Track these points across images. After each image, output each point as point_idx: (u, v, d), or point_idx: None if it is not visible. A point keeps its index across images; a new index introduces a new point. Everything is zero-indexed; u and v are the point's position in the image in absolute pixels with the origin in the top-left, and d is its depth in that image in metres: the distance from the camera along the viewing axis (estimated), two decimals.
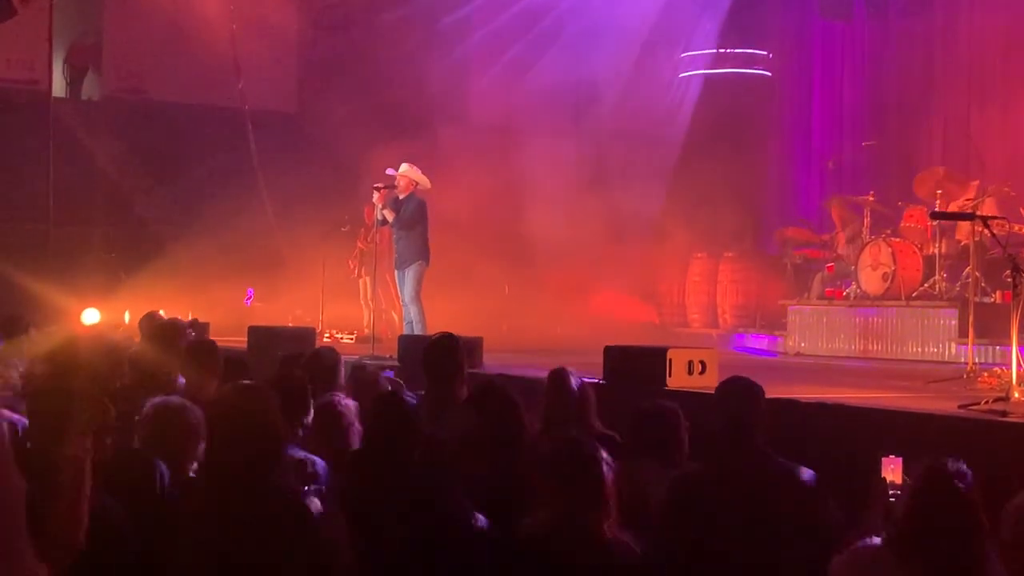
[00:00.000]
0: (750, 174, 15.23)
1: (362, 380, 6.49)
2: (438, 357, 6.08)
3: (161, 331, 7.41)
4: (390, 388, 6.16)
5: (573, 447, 4.01)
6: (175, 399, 4.78)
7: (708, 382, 7.29)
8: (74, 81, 20.16)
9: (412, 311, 11.75)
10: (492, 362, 9.12)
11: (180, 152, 17.68)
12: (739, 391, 4.77)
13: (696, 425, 5.12)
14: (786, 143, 16.03)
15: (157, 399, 4.74)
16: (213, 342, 7.33)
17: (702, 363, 7.62)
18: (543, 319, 15.07)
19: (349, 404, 5.32)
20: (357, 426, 5.18)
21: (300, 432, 5.14)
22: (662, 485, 4.56)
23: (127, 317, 13.89)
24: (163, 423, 4.57)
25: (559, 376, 5.68)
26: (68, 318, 12.83)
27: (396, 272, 12.16)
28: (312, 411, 5.26)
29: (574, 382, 5.64)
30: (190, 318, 9.63)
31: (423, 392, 6.13)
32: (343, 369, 6.56)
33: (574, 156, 16.24)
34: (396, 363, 9.47)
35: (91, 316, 13.70)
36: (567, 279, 15.47)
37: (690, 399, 6.26)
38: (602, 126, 16.40)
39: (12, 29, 14.85)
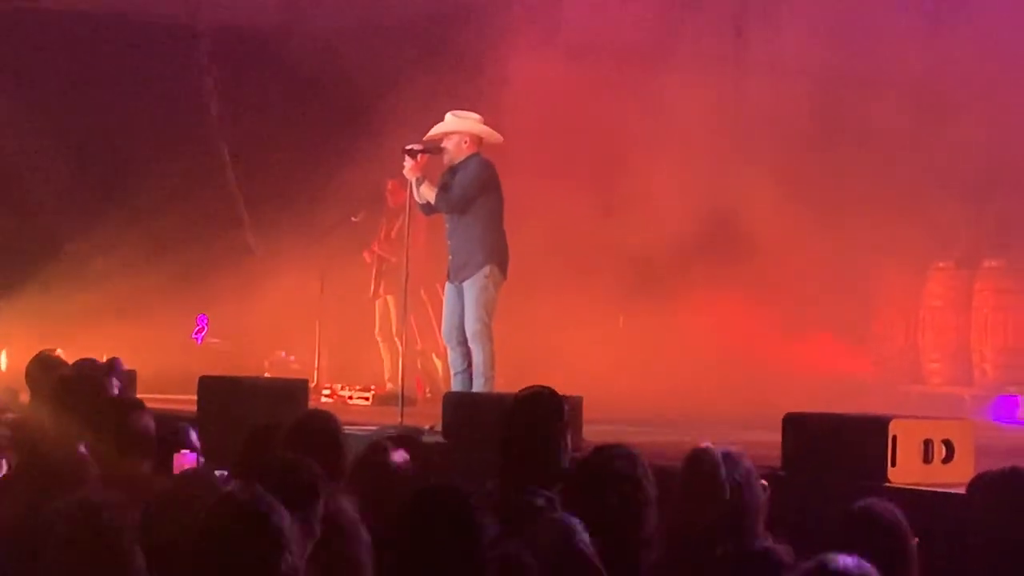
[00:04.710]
0: (1018, 138, 15.10)
1: (380, 469, 6.39)
2: (528, 427, 6.05)
3: (66, 384, 7.49)
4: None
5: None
6: (91, 499, 4.76)
7: (958, 475, 7.25)
8: None
9: (476, 351, 11.55)
10: (597, 435, 9.14)
11: (91, 92, 17.92)
12: (1012, 490, 4.76)
13: (934, 543, 5.12)
14: None
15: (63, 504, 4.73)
16: (137, 402, 7.37)
17: (947, 444, 7.61)
18: (680, 367, 15.06)
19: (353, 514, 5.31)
20: (367, 544, 5.16)
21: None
22: None
23: (3, 360, 14.12)
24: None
25: (702, 459, 5.69)
26: None
27: (448, 285, 12.06)
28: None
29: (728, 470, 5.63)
30: (105, 359, 9.72)
31: (488, 484, 6.09)
32: (346, 447, 6.49)
33: (731, 106, 16.25)
34: (439, 437, 9.53)
35: None
36: (717, 305, 15.47)
37: (926, 502, 6.22)
38: (775, 67, 16.40)
39: None
